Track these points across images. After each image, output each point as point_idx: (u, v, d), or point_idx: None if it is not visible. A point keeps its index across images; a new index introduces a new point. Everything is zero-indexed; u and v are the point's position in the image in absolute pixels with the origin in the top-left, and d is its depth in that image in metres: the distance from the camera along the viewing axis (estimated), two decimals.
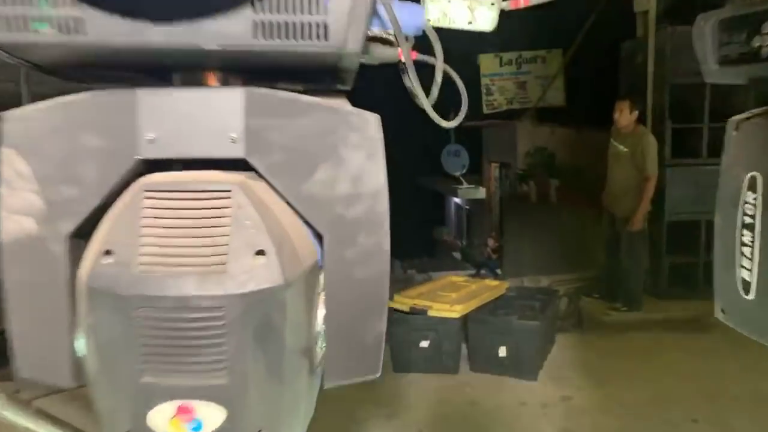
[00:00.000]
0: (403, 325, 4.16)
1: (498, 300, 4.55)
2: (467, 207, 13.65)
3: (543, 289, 5.24)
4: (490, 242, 11.32)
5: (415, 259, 15.07)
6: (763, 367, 4.36)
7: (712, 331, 5.09)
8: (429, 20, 1.09)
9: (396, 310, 4.21)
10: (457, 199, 13.93)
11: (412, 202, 16.54)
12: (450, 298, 4.30)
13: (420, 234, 15.33)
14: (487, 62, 10.37)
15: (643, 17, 5.83)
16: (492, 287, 4.70)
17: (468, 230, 13.70)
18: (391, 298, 4.39)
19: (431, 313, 4.10)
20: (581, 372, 4.31)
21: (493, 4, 1.11)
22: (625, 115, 5.14)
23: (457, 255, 13.39)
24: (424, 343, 4.12)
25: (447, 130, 14.53)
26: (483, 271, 11.39)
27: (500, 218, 11.27)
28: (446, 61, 1.11)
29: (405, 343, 4.16)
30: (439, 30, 1.08)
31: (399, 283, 11.85)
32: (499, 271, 11.05)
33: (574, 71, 9.86)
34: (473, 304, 4.22)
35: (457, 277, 5.06)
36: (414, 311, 4.16)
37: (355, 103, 0.86)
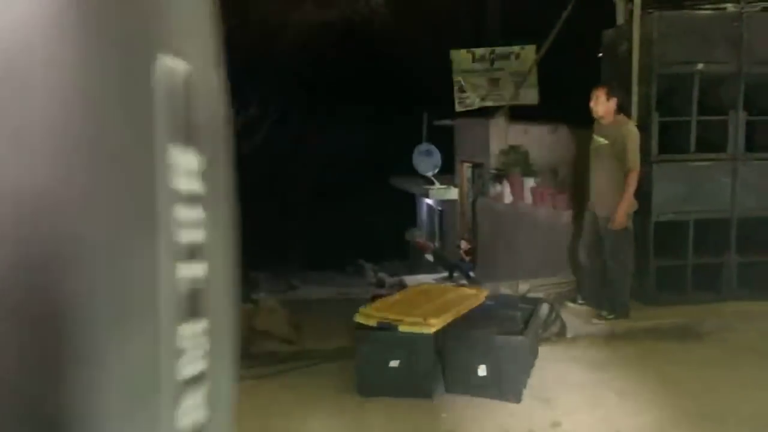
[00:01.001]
0: (370, 343, 3.60)
1: (476, 311, 4.02)
2: (440, 208, 13.17)
3: (525, 297, 4.73)
4: (463, 244, 10.84)
5: (387, 262, 14.58)
6: (764, 382, 3.93)
7: (704, 339, 4.66)
8: None
9: (362, 326, 3.64)
10: (429, 200, 13.45)
11: (384, 203, 16.02)
12: (423, 310, 3.74)
13: (392, 236, 14.80)
14: (460, 58, 9.87)
15: (625, 2, 5.38)
16: (469, 296, 4.16)
17: (441, 232, 13.23)
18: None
19: (402, 328, 3.53)
20: (570, 391, 3.79)
21: None
22: (601, 103, 4.67)
23: (430, 257, 12.89)
24: (394, 363, 3.56)
25: (419, 129, 14.07)
26: (456, 274, 10.93)
27: (473, 219, 10.81)
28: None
29: (372, 363, 3.59)
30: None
31: (372, 287, 11.36)
32: (472, 273, 10.60)
33: (549, 67, 9.45)
34: (449, 317, 3.67)
35: (431, 285, 4.52)
36: (382, 326, 3.59)
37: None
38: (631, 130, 4.69)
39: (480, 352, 3.57)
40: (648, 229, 5.12)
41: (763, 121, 5.21)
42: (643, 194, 5.17)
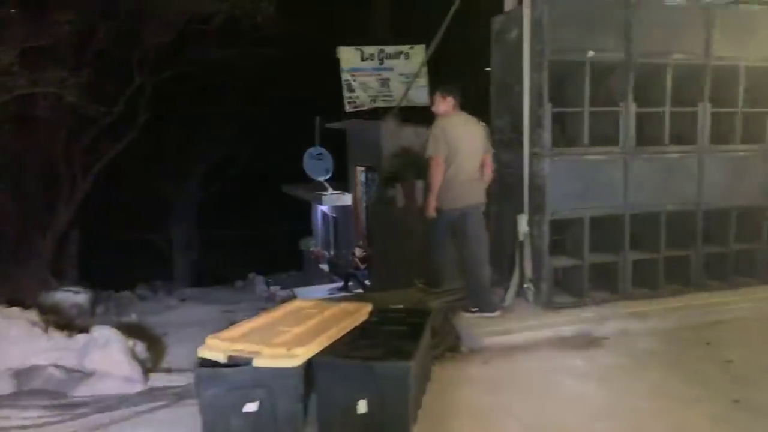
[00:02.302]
0: (218, 384, 2.74)
1: (358, 331, 3.28)
2: (334, 215, 12.44)
3: (414, 310, 4.06)
4: (358, 251, 10.16)
5: (282, 274, 13.59)
6: (674, 392, 3.51)
7: (605, 345, 4.22)
8: None
9: (207, 363, 2.77)
10: (323, 207, 12.67)
11: (278, 212, 15.00)
12: (289, 336, 2.95)
13: (286, 246, 13.82)
14: (348, 55, 9.22)
15: None
16: (350, 313, 3.41)
17: (336, 239, 12.48)
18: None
19: (259, 362, 2.71)
20: (468, 421, 3.15)
21: None
22: (438, 106, 4.64)
23: (325, 266, 12.10)
24: (251, 407, 2.73)
25: (312, 132, 13.25)
26: (351, 283, 10.22)
27: (368, 225, 10.17)
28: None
29: (222, 409, 2.74)
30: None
31: (262, 302, 10.35)
32: (368, 281, 9.94)
33: (440, 66, 9.09)
34: (322, 343, 2.90)
35: (304, 302, 3.71)
36: (234, 362, 2.75)
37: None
38: (435, 124, 4.55)
39: (358, 384, 2.82)
40: (542, 229, 4.66)
41: (652, 114, 4.92)
42: (537, 191, 4.73)
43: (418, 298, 5.04)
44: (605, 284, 4.93)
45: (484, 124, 4.72)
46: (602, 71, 4.76)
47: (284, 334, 2.97)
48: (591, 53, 4.64)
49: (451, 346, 4.12)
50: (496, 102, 5.27)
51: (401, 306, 4.33)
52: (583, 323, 4.44)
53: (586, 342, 4.23)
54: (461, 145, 4.45)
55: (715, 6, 5.00)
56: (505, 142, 5.12)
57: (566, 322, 4.44)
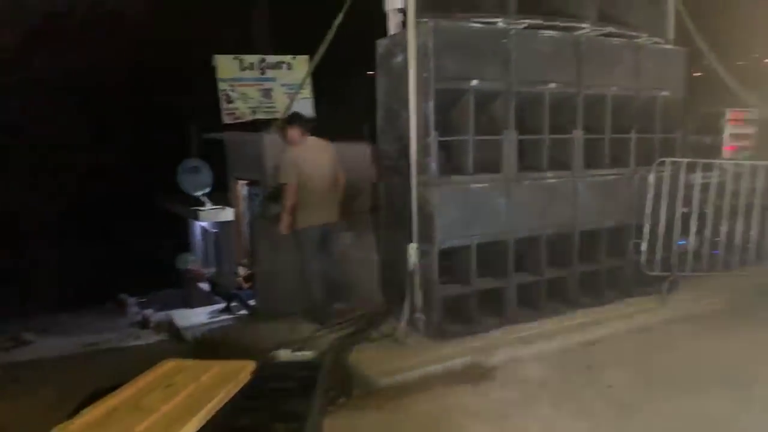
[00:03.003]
0: None
1: (240, 395, 2.90)
2: (215, 230, 11.67)
3: (304, 362, 3.73)
4: (241, 270, 9.53)
5: (157, 294, 12.51)
6: (564, 428, 3.54)
7: (497, 377, 4.19)
8: None
9: None
10: (203, 223, 11.84)
11: (154, 227, 13.78)
12: (157, 417, 2.49)
13: (160, 264, 12.74)
14: (226, 64, 8.60)
15: (396, 11, 4.78)
16: (230, 375, 3.01)
17: (218, 257, 11.71)
18: None
19: None
20: None
21: None
22: (287, 135, 5.23)
23: (205, 286, 11.29)
24: None
25: (188, 143, 12.31)
26: (234, 304, 9.58)
27: (251, 242, 9.60)
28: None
29: None
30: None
31: (133, 329, 9.40)
32: (252, 302, 9.37)
33: (326, 78, 8.79)
34: (196, 425, 2.49)
35: (177, 364, 3.23)
36: None
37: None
38: (289, 150, 5.15)
39: None
40: (432, 259, 4.54)
41: (532, 141, 4.99)
42: (426, 220, 4.60)
43: (309, 332, 4.73)
44: (493, 309, 4.94)
45: (370, 141, 4.70)
46: (486, 99, 4.74)
47: (151, 415, 2.51)
48: (475, 82, 4.59)
49: (342, 390, 3.85)
50: (383, 126, 5.09)
51: (295, 347, 4.01)
52: (475, 353, 4.38)
53: (479, 374, 4.16)
54: (312, 170, 5.05)
55: (584, 38, 5.19)
56: (392, 168, 4.95)
57: (458, 353, 4.35)
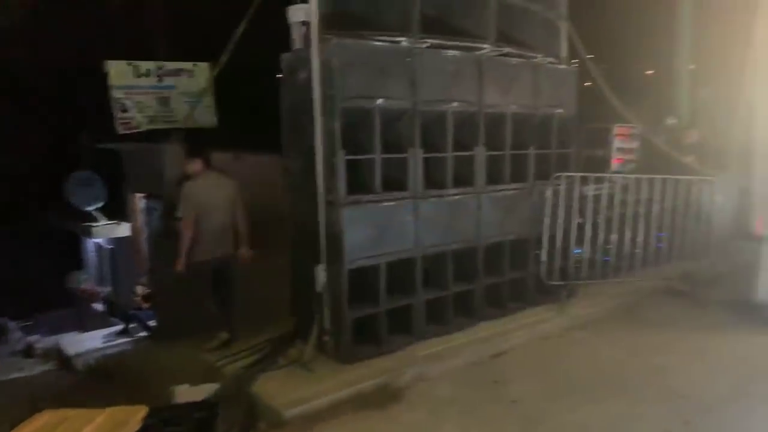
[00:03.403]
0: None
1: None
2: (111, 247, 10.85)
3: (199, 403, 3.48)
4: (140, 289, 8.93)
5: (45, 316, 11.42)
6: None
7: (406, 397, 4.14)
8: None
9: None
10: (97, 239, 10.96)
11: (41, 243, 12.56)
12: None
13: (52, 283, 11.64)
14: (119, 71, 8.01)
15: (300, 24, 4.64)
16: (116, 425, 2.73)
17: (114, 275, 10.88)
18: None
19: None
20: None
21: None
22: (188, 167, 5.11)
23: (100, 306, 10.49)
24: None
25: (79, 153, 11.38)
26: (133, 325, 8.95)
27: (151, 259, 9.02)
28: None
29: None
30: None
31: (15, 360, 8.47)
32: (153, 322, 8.80)
33: (229, 87, 8.42)
34: None
35: (57, 415, 2.89)
36: None
37: None
38: (188, 184, 5.05)
39: None
40: (341, 280, 4.44)
41: (437, 158, 5.02)
42: (333, 240, 4.49)
43: (210, 363, 4.45)
44: (403, 326, 4.91)
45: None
46: (392, 118, 4.71)
47: None
48: (380, 101, 4.55)
49: (245, 427, 3.64)
50: (288, 143, 4.92)
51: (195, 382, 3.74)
52: (384, 374, 4.32)
53: (389, 396, 4.10)
54: (210, 205, 4.98)
55: (485, 58, 5.30)
56: (298, 187, 4.79)
57: (368, 376, 4.27)
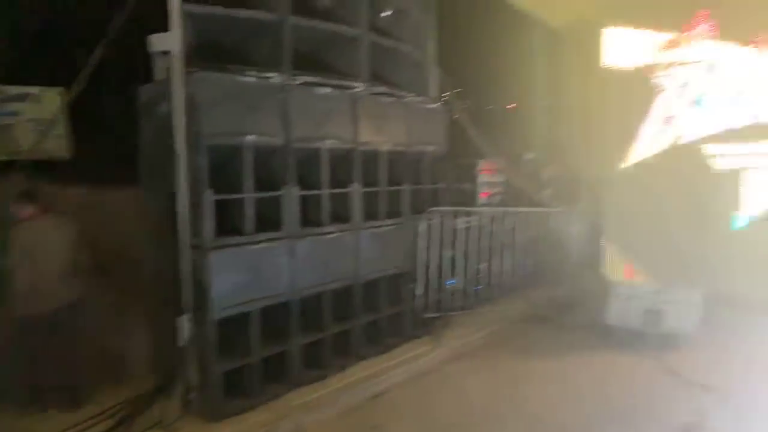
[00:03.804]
0: None
1: None
2: None
3: None
4: None
5: None
6: None
7: None
8: None
9: None
10: None
11: None
12: None
13: None
14: None
15: (161, 54, 4.30)
16: None
17: None
18: None
19: None
20: None
21: None
22: (19, 212, 4.42)
23: None
24: None
25: None
26: None
27: None
28: None
29: None
30: None
31: None
32: None
33: (84, 115, 7.62)
34: None
35: None
36: None
37: None
38: (16, 228, 4.37)
39: None
40: (207, 331, 4.08)
41: (313, 196, 4.87)
42: (199, 288, 4.13)
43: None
44: (278, 375, 4.63)
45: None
46: (264, 155, 4.49)
47: None
48: (251, 137, 4.31)
49: None
50: (148, 183, 4.49)
51: None
52: (257, 430, 4.00)
53: None
54: (41, 251, 4.30)
55: (359, 95, 5.29)
56: (159, 229, 4.37)
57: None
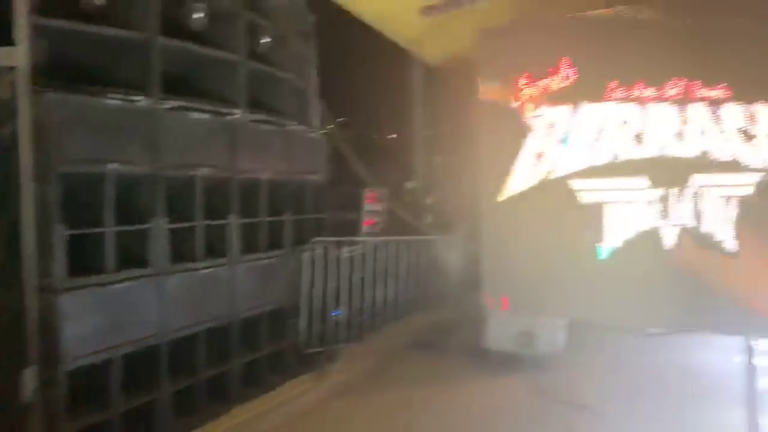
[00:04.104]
0: None
1: None
2: None
3: None
4: None
5: None
6: None
7: None
8: None
9: None
10: None
11: None
12: None
13: None
14: None
15: (9, 73, 3.77)
16: None
17: None
18: None
19: None
20: None
21: None
22: None
23: None
24: None
25: None
26: None
27: None
28: None
29: None
30: None
31: None
32: None
33: None
34: None
35: None
36: None
37: None
38: None
39: None
40: (57, 384, 3.55)
41: (186, 229, 4.51)
42: (48, 335, 3.60)
43: None
44: (145, 428, 4.14)
45: None
46: (129, 185, 4.08)
47: None
48: (114, 165, 3.90)
49: None
50: None
51: None
52: None
53: None
54: None
55: (238, 123, 5.05)
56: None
57: None
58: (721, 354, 5.92)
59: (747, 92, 2.65)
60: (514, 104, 3.33)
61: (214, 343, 4.73)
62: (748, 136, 2.73)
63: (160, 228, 4.24)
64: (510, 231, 3.81)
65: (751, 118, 2.68)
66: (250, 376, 5.15)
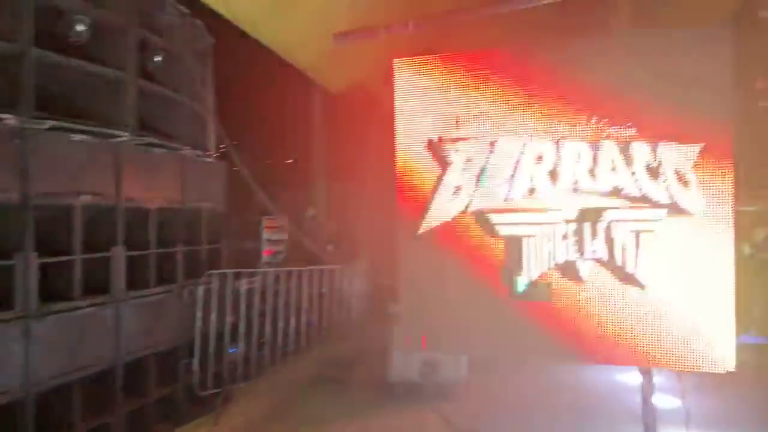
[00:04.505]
0: None
1: None
2: None
3: None
4: None
5: None
6: None
7: None
8: None
9: None
10: None
11: None
12: None
13: None
14: None
15: None
16: None
17: None
18: None
19: None
20: None
21: None
22: None
23: None
24: None
25: None
26: None
27: None
28: None
29: None
30: None
31: None
32: None
33: None
34: None
35: None
36: None
37: None
38: None
39: None
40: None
41: (60, 263, 4.00)
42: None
43: None
44: None
45: None
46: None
47: None
48: None
49: None
50: None
51: None
52: None
53: None
54: None
55: (124, 145, 4.63)
56: None
57: None
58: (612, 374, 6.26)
59: (652, 130, 2.84)
60: (432, 137, 3.29)
61: (92, 391, 4.20)
62: (654, 173, 2.90)
63: (26, 264, 3.71)
64: (428, 267, 3.75)
65: (654, 155, 2.85)
66: (136, 425, 4.64)
